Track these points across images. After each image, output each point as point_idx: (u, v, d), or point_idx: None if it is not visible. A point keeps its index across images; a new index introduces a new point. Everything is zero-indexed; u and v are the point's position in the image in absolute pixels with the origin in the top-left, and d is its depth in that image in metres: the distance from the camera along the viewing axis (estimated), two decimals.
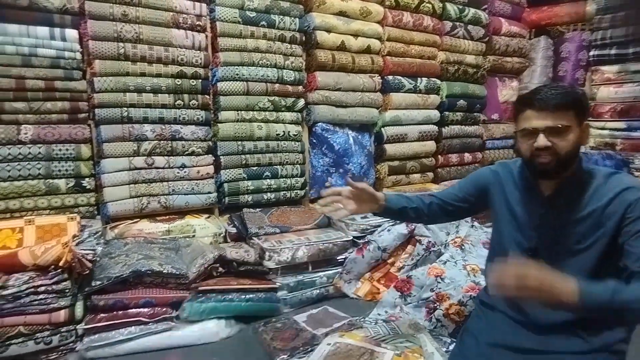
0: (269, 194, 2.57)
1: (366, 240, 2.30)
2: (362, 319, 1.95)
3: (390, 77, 2.95)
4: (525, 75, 3.63)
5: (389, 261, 2.31)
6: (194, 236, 2.22)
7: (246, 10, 2.43)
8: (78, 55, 2.05)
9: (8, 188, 1.96)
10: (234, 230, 2.33)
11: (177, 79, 2.27)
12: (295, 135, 2.63)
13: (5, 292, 1.54)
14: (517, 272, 0.95)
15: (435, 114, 3.19)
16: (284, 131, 2.58)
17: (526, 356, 1.16)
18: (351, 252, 2.28)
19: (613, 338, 1.12)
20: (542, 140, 1.07)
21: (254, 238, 2.20)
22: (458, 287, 1.88)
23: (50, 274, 1.63)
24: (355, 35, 2.78)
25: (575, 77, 3.44)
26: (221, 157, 2.42)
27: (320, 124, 2.72)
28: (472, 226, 2.50)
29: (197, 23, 2.30)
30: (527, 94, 1.14)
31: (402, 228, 2.31)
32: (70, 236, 1.80)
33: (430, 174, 3.28)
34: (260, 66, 2.47)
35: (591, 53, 3.31)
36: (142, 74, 2.20)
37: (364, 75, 2.85)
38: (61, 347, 1.64)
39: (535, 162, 1.11)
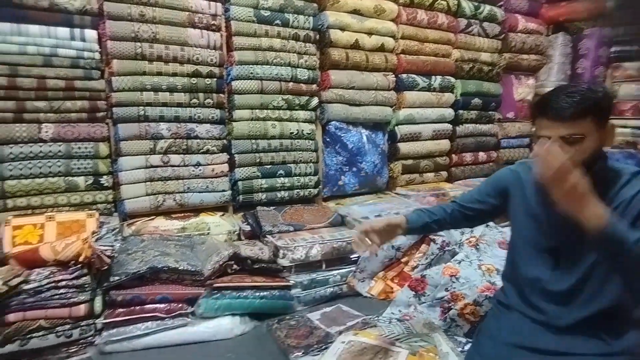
0: (282, 192, 2.58)
1: None
2: (376, 318, 1.94)
3: (404, 76, 2.93)
4: (542, 72, 3.57)
5: (403, 260, 2.30)
6: (208, 234, 2.25)
7: (260, 9, 2.44)
8: (97, 55, 2.09)
9: (30, 185, 2.01)
10: (248, 228, 2.35)
11: (193, 78, 2.30)
12: (308, 133, 2.64)
13: (27, 287, 1.58)
14: (566, 162, 0.92)
15: (449, 112, 3.16)
16: (297, 130, 2.59)
17: (545, 357, 1.14)
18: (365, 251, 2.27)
19: (635, 341, 1.10)
20: None
21: (267, 236, 2.21)
22: (473, 287, 1.86)
23: (70, 269, 1.66)
24: (369, 33, 2.77)
25: (595, 75, 3.37)
26: (235, 155, 2.44)
27: (333, 122, 2.72)
28: (487, 226, 2.46)
29: (212, 22, 2.32)
30: (543, 101, 1.11)
31: None
32: (89, 232, 1.84)
33: (444, 173, 3.26)
34: (274, 65, 2.48)
35: (612, 49, 3.23)
36: (159, 73, 2.22)
37: (377, 74, 2.84)
38: (81, 341, 1.68)
39: None
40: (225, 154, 2.43)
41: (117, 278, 1.75)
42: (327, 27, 2.60)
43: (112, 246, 1.83)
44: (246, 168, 2.47)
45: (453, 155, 3.26)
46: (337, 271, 2.21)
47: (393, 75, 2.91)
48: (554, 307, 1.16)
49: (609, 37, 3.24)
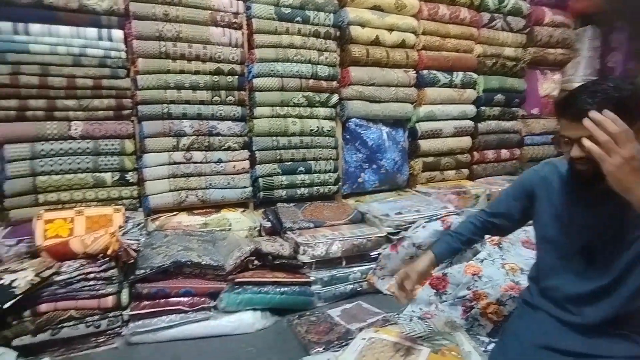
0: (302, 189, 2.59)
1: (401, 236, 2.28)
2: (397, 316, 1.93)
3: (425, 72, 2.89)
4: (569, 67, 3.45)
5: None
6: (229, 229, 2.28)
7: (281, 6, 2.45)
8: (123, 55, 2.14)
9: (60, 181, 2.08)
10: (268, 224, 2.37)
11: (215, 76, 2.33)
12: (329, 130, 2.64)
13: (58, 278, 1.65)
14: (627, 129, 0.86)
15: (471, 109, 3.11)
16: (317, 127, 2.60)
17: (571, 359, 1.11)
18: (385, 248, 2.27)
19: None
20: (575, 151, 1.03)
21: (288, 232, 2.23)
22: (496, 286, 1.82)
23: (98, 261, 1.72)
24: (390, 29, 2.74)
25: (627, 69, 3.24)
26: (256, 152, 2.47)
27: (353, 119, 2.71)
28: None
29: (234, 20, 2.35)
30: (563, 100, 1.08)
31: (437, 225, 2.27)
32: (116, 227, 1.89)
33: (466, 171, 3.20)
34: (294, 62, 2.49)
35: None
36: (182, 71, 2.26)
37: (398, 70, 2.81)
38: (108, 331, 1.73)
39: (575, 169, 1.08)
40: (246, 150, 2.46)
41: (142, 271, 1.80)
42: (348, 24, 2.59)
43: (137, 240, 1.88)
44: (267, 165, 2.49)
45: (475, 153, 3.20)
46: (357, 268, 2.21)
47: (414, 72, 2.87)
48: (582, 308, 1.14)
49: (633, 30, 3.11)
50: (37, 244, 1.78)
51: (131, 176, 2.24)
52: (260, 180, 2.48)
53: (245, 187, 2.46)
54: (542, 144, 3.46)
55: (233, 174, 2.43)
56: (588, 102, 0.99)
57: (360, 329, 1.76)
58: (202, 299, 1.84)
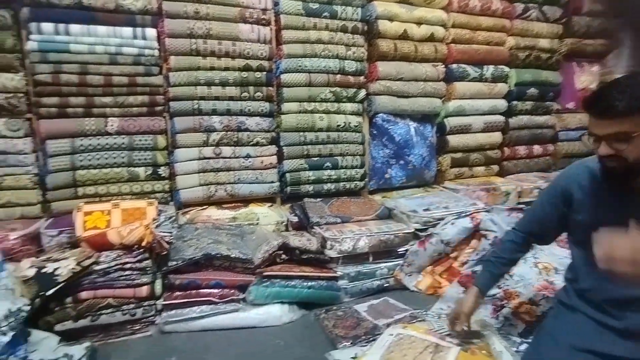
0: (329, 185, 2.60)
1: (429, 233, 2.25)
2: (424, 313, 1.91)
3: (455, 66, 2.83)
4: (610, 58, 3.28)
5: (452, 255, 2.24)
6: (257, 224, 2.32)
7: (309, 2, 2.45)
8: (156, 53, 2.21)
9: (97, 175, 2.17)
10: (295, 219, 2.39)
11: (243, 72, 2.36)
12: (356, 126, 2.63)
13: (97, 267, 1.72)
14: (635, 244, 0.83)
15: (502, 103, 3.02)
16: (344, 122, 2.59)
17: None
18: (413, 245, 2.24)
19: None
20: (603, 149, 0.99)
21: (315, 227, 2.24)
22: (528, 285, 1.77)
23: (134, 252, 1.79)
24: (419, 23, 2.70)
25: None
26: (284, 147, 2.49)
27: (381, 114, 2.69)
28: None
29: (263, 17, 2.37)
30: (591, 95, 1.04)
31: (466, 222, 2.23)
32: (150, 219, 1.95)
33: (495, 167, 3.13)
34: (322, 57, 2.50)
35: None
36: (212, 68, 2.31)
37: (426, 64, 2.77)
38: (143, 320, 1.80)
39: (605, 167, 1.04)
40: (274, 146, 2.49)
41: (174, 263, 1.86)
42: (376, 18, 2.57)
43: (170, 233, 1.94)
44: (294, 160, 2.51)
45: (505, 149, 3.12)
46: (385, 264, 2.20)
47: (443, 66, 2.82)
48: (625, 312, 1.09)
49: None
50: (77, 234, 1.87)
51: (163, 171, 2.31)
52: (287, 175, 2.50)
53: (272, 182, 2.49)
54: (578, 140, 3.33)
55: (261, 169, 2.46)
56: (617, 98, 0.95)
57: (388, 325, 1.75)
58: (232, 291, 1.88)
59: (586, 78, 3.28)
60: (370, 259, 2.17)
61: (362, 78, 2.62)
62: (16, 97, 2.03)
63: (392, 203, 2.53)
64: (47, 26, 2.00)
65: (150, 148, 2.26)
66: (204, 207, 2.38)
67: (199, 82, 2.29)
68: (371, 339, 1.68)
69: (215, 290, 1.86)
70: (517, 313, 1.73)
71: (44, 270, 1.63)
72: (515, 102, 3.05)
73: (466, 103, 2.91)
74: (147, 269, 1.80)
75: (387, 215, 2.44)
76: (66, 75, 2.05)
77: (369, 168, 2.76)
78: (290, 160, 2.51)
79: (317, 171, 2.56)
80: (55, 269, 1.63)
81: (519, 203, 2.77)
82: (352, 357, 1.56)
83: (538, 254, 2.04)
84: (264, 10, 2.38)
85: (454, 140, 2.91)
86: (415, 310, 1.92)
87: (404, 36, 2.66)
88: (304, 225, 2.34)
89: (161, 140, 2.29)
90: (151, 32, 2.18)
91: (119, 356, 1.65)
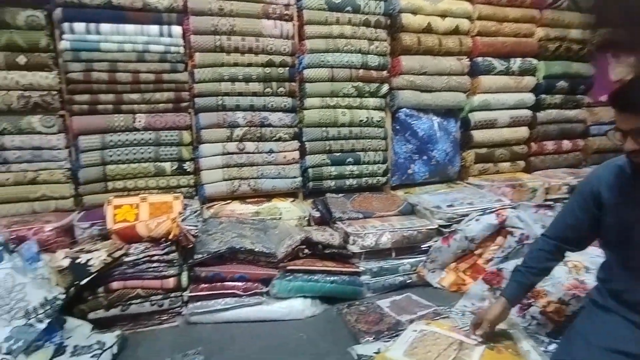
0: (351, 180, 2.60)
1: (452, 229, 2.22)
2: (448, 310, 1.89)
3: (480, 59, 2.77)
4: None
5: (477, 252, 2.20)
6: (280, 218, 2.34)
7: None
8: (181, 50, 2.25)
9: (126, 170, 2.24)
10: (317, 214, 2.40)
11: (267, 68, 2.38)
12: (378, 121, 2.61)
13: (127, 259, 1.78)
14: None
15: (529, 97, 2.94)
16: (367, 117, 2.58)
17: None
18: (436, 241, 2.22)
19: None
20: (629, 144, 0.97)
21: (337, 222, 2.24)
22: (558, 284, 1.72)
23: (161, 245, 1.84)
24: (443, 15, 2.65)
25: None
26: (306, 143, 2.50)
27: (404, 109, 2.66)
28: None
29: (285, 12, 2.38)
30: (615, 91, 1.01)
31: (491, 218, 2.19)
32: (176, 213, 2.00)
33: (522, 163, 3.05)
34: (345, 52, 2.49)
35: None
36: (235, 64, 2.33)
37: (451, 58, 2.72)
38: (170, 310, 1.85)
39: (632, 162, 1.02)
40: (296, 141, 2.50)
41: (200, 256, 1.90)
42: (399, 11, 2.54)
43: (196, 226, 1.98)
44: (316, 155, 2.52)
45: (532, 144, 3.03)
46: (407, 260, 2.18)
47: (468, 59, 2.76)
48: None
49: None
50: (107, 227, 1.93)
51: (188, 166, 2.35)
52: (309, 170, 2.51)
53: (295, 177, 2.51)
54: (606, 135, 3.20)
55: (283, 164, 2.48)
56: None
57: (411, 321, 1.74)
58: (255, 285, 1.91)
59: (622, 69, 3.14)
60: (393, 254, 2.16)
61: (384, 73, 2.60)
62: (50, 94, 2.10)
63: (415, 199, 2.50)
64: (79, 26, 2.07)
65: (176, 143, 2.31)
66: (228, 201, 2.42)
67: (223, 78, 2.32)
68: (394, 334, 1.68)
69: (240, 284, 1.89)
70: (545, 312, 1.69)
71: (77, 260, 1.70)
72: (543, 96, 2.96)
73: (491, 97, 2.84)
74: (174, 261, 1.85)
75: (410, 211, 2.42)
76: (97, 73, 2.11)
77: (392, 163, 2.74)
78: (312, 156, 2.51)
79: (339, 166, 2.56)
80: (88, 260, 1.70)
81: (547, 200, 2.70)
82: (375, 352, 1.56)
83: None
84: (287, 5, 2.38)
85: (478, 135, 2.86)
86: (439, 307, 1.91)
87: (428, 29, 2.62)
88: (326, 220, 2.35)
89: (186, 136, 2.33)
90: (177, 29, 2.22)
91: (148, 345, 1.70)
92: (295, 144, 2.49)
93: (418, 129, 2.68)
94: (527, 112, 2.96)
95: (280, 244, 2.01)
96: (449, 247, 2.18)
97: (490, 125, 2.88)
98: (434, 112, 2.75)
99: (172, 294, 1.84)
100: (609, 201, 1.16)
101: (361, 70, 2.53)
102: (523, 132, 2.98)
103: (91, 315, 1.72)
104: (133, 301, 1.77)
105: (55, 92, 2.12)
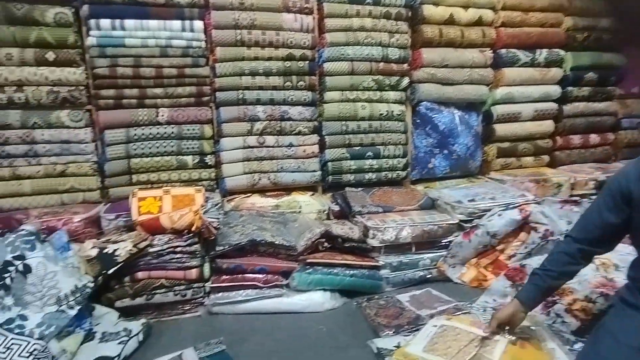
0: (370, 174, 2.59)
1: (474, 224, 2.19)
2: (469, 305, 1.88)
3: (504, 51, 2.70)
4: None
5: (499, 248, 2.17)
6: (299, 212, 2.35)
7: None
8: (203, 44, 2.27)
9: (149, 163, 2.29)
10: (336, 207, 2.40)
11: (287, 62, 2.38)
12: (398, 115, 2.59)
13: (152, 250, 1.83)
14: None
15: (555, 89, 2.85)
16: (387, 111, 2.56)
17: None
18: (457, 236, 2.19)
19: None
20: None
21: (357, 216, 2.24)
22: (584, 282, 1.68)
23: (184, 236, 1.88)
24: (466, 6, 2.60)
25: None
26: (326, 136, 2.50)
27: (424, 103, 2.63)
28: None
29: (305, 6, 2.37)
30: None
31: (514, 214, 2.14)
32: (199, 205, 2.03)
33: (546, 157, 2.97)
34: (365, 45, 2.46)
35: None
36: (256, 58, 2.35)
37: (473, 50, 2.66)
38: (193, 301, 1.90)
39: None
40: (316, 135, 2.50)
41: (222, 248, 1.94)
42: (420, 3, 2.50)
43: (217, 219, 2.01)
44: (336, 149, 2.52)
45: (557, 138, 2.95)
46: (427, 255, 2.17)
47: (491, 51, 2.69)
48: None
49: None
50: (133, 218, 1.98)
51: (209, 159, 2.39)
52: (329, 164, 2.51)
53: (314, 171, 2.51)
54: (636, 128, 3.07)
55: (303, 158, 2.49)
56: None
57: (431, 316, 1.73)
58: (275, 277, 1.93)
59: None
60: (413, 249, 2.15)
61: (405, 66, 2.57)
62: (78, 90, 2.16)
63: (436, 193, 2.48)
64: (105, 22, 2.11)
65: (198, 137, 2.34)
66: (248, 194, 2.44)
67: (243, 72, 2.34)
68: (414, 329, 1.67)
69: (260, 276, 1.92)
70: (571, 310, 1.65)
71: (105, 250, 1.75)
72: (570, 88, 2.87)
73: (515, 90, 2.77)
74: (196, 252, 1.89)
75: (431, 205, 2.40)
76: (122, 68, 2.16)
77: (412, 158, 2.71)
78: (331, 150, 2.51)
79: (359, 160, 2.55)
80: (115, 250, 1.75)
81: (572, 196, 2.62)
82: (395, 346, 1.56)
83: None
84: None
85: (501, 129, 2.79)
86: (459, 303, 1.89)
87: (450, 21, 2.57)
88: (345, 214, 2.35)
89: (207, 130, 2.36)
90: (198, 24, 2.24)
91: (171, 334, 1.75)
92: (315, 137, 2.50)
93: (439, 122, 2.64)
94: (552, 105, 2.87)
95: (300, 237, 2.03)
96: (470, 242, 2.15)
97: (514, 118, 2.81)
98: (455, 106, 2.70)
99: (195, 285, 1.88)
100: (638, 198, 1.12)
101: (381, 63, 2.50)
102: (548, 125, 2.90)
103: (118, 304, 1.78)
104: (157, 291, 1.82)
105: (82, 88, 2.18)
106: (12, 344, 1.40)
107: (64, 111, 2.17)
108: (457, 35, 2.59)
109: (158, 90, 2.25)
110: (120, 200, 2.21)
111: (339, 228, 2.08)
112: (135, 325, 1.66)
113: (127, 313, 1.77)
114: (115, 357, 1.49)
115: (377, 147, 2.58)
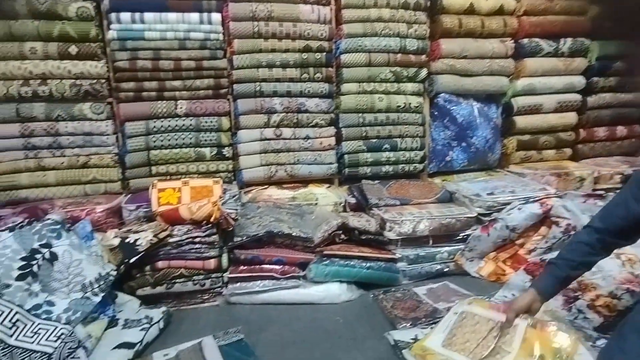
0: (387, 167, 2.57)
1: (493, 217, 2.15)
2: (487, 299, 1.85)
3: (526, 41, 2.63)
4: None
5: (518, 242, 2.14)
6: (316, 204, 2.35)
7: None
8: (221, 37, 2.29)
9: (168, 155, 2.32)
10: (353, 200, 2.40)
11: (304, 53, 2.37)
12: (416, 107, 2.56)
13: (171, 240, 1.86)
14: None
15: (579, 80, 2.77)
16: (404, 103, 2.53)
17: None
18: (475, 230, 2.17)
19: None
20: None
21: (374, 208, 2.23)
22: (608, 277, 1.64)
23: (203, 227, 1.90)
24: None
25: None
26: (342, 129, 2.49)
27: (442, 94, 2.58)
28: None
29: None
30: None
31: (535, 208, 2.10)
32: (217, 197, 2.06)
33: (568, 150, 2.89)
34: (382, 36, 2.43)
35: None
36: (273, 50, 2.34)
37: (494, 40, 2.60)
38: (211, 290, 1.93)
39: None
40: (332, 127, 2.49)
41: (239, 239, 1.96)
42: None
43: (235, 210, 2.03)
44: (352, 142, 2.51)
45: (581, 130, 2.86)
46: (445, 248, 2.15)
47: (512, 41, 2.63)
48: None
49: None
50: (153, 209, 2.02)
51: (227, 151, 2.41)
52: (345, 157, 2.50)
53: (331, 163, 2.51)
54: None
55: (320, 151, 2.49)
56: None
57: (448, 309, 1.71)
58: (292, 268, 1.95)
59: None
60: (430, 242, 2.13)
61: (423, 57, 2.53)
62: (99, 82, 2.20)
63: (454, 186, 2.45)
64: (125, 15, 2.14)
65: (215, 129, 2.36)
66: (265, 186, 2.46)
67: (260, 65, 2.34)
68: (431, 321, 1.67)
69: (277, 267, 1.93)
70: (594, 306, 1.62)
71: (127, 240, 1.80)
72: (596, 79, 2.78)
73: (537, 81, 2.70)
74: (215, 243, 1.91)
75: (449, 198, 2.37)
76: (141, 61, 2.19)
77: (429, 150, 2.68)
78: (348, 142, 2.50)
79: (376, 153, 2.53)
80: (136, 240, 1.79)
81: (596, 189, 2.55)
82: (412, 339, 1.56)
83: None
84: None
85: (521, 121, 2.73)
86: (477, 296, 1.86)
87: (470, 10, 2.51)
88: (361, 206, 2.35)
89: (225, 122, 2.38)
90: (216, 16, 2.25)
91: (191, 322, 1.78)
92: (332, 130, 2.49)
93: (457, 114, 2.60)
94: (576, 97, 2.79)
95: (317, 229, 2.03)
96: (488, 236, 2.12)
97: (535, 110, 2.75)
98: (474, 98, 2.65)
99: (213, 275, 1.91)
100: None
101: (399, 55, 2.47)
102: (571, 117, 2.82)
103: (139, 292, 1.83)
104: (177, 280, 1.86)
105: (103, 81, 2.21)
106: (40, 328, 1.45)
107: (86, 104, 2.21)
108: (477, 25, 2.53)
109: (177, 83, 2.27)
110: (141, 191, 2.25)
111: (356, 220, 2.08)
112: (156, 313, 1.71)
113: (148, 301, 1.82)
114: (137, 343, 1.53)
115: (394, 139, 2.56)
